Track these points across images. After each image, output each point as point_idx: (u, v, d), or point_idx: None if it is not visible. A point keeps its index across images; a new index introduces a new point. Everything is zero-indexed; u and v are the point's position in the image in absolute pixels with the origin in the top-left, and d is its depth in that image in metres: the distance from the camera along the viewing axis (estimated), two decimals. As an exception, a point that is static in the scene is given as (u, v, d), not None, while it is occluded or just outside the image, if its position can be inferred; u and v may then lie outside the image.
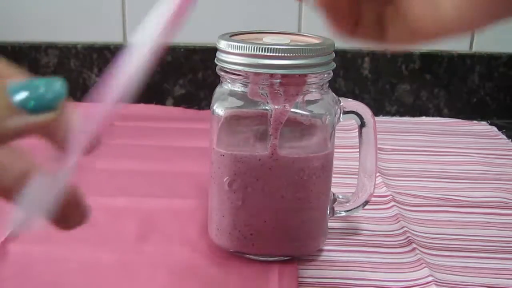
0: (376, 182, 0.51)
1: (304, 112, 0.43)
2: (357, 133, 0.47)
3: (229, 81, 0.44)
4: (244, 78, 0.43)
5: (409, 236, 0.49)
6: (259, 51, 0.41)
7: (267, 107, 0.43)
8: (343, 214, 0.49)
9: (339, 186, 0.56)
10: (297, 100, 0.43)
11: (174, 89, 0.86)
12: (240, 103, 0.44)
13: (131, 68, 0.25)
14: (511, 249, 0.48)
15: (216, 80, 0.46)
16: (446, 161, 0.67)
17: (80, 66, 0.86)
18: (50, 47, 0.85)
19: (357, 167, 0.48)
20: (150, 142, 0.71)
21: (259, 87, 0.42)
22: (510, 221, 0.53)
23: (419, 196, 0.58)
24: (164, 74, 0.86)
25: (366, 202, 0.48)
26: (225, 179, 0.44)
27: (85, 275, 0.43)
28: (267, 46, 0.41)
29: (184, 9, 0.26)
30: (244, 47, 0.41)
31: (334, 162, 0.46)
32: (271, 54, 0.41)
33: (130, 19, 0.85)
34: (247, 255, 0.46)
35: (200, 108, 0.86)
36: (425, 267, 0.44)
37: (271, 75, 0.42)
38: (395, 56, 0.84)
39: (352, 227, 0.51)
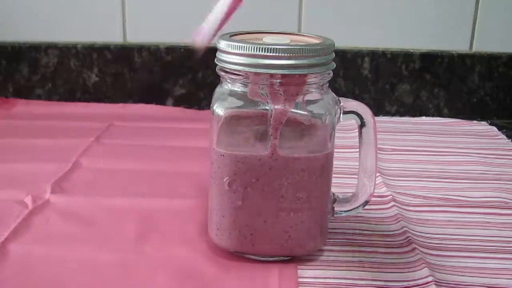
0: (376, 182, 0.51)
1: (304, 112, 0.43)
2: (357, 133, 0.47)
3: (229, 81, 0.44)
4: (244, 78, 0.43)
5: (409, 236, 0.49)
6: (259, 51, 0.41)
7: (267, 107, 0.43)
8: (343, 214, 0.49)
9: (339, 186, 0.56)
10: (297, 100, 0.43)
11: (174, 89, 0.86)
12: (240, 103, 0.44)
13: None
14: (511, 249, 0.48)
15: (216, 80, 0.46)
16: (446, 161, 0.67)
17: (80, 66, 0.86)
18: (50, 47, 0.85)
19: (357, 167, 0.47)
20: (150, 142, 0.72)
21: (259, 87, 0.42)
22: (510, 221, 0.53)
23: (419, 196, 0.58)
24: (164, 74, 0.86)
25: (366, 202, 0.48)
26: (225, 179, 0.44)
27: (85, 275, 0.43)
28: (267, 46, 0.41)
29: None
30: (244, 47, 0.41)
31: (334, 162, 0.46)
32: (271, 54, 0.41)
33: (130, 19, 0.85)
34: (247, 255, 0.46)
35: (200, 108, 0.86)
36: (425, 267, 0.44)
37: (271, 75, 0.42)
38: (395, 56, 0.85)
39: (352, 227, 0.51)
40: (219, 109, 0.44)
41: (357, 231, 0.50)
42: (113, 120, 0.79)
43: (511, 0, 0.84)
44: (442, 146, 0.72)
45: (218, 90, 0.45)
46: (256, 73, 0.42)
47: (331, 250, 0.47)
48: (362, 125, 0.46)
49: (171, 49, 0.85)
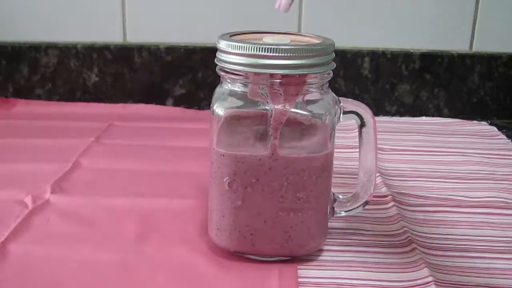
0: (376, 182, 0.51)
1: (304, 112, 0.43)
2: (357, 133, 0.47)
3: (229, 81, 0.44)
4: (244, 78, 0.43)
5: (409, 236, 0.49)
6: (259, 51, 0.41)
7: (267, 107, 0.43)
8: (343, 214, 0.49)
9: (339, 186, 0.57)
10: (297, 100, 0.43)
11: (174, 89, 0.86)
12: (240, 103, 0.44)
13: None
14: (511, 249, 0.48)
15: (216, 80, 0.46)
16: (446, 161, 0.67)
17: (80, 66, 0.86)
18: (50, 47, 0.85)
19: (357, 167, 0.47)
20: (150, 142, 0.72)
21: (259, 87, 0.42)
22: (510, 221, 0.53)
23: (419, 196, 0.58)
24: (164, 74, 0.86)
25: (366, 202, 0.48)
26: (225, 179, 0.44)
27: (85, 275, 0.43)
28: (267, 46, 0.41)
29: None
30: (244, 47, 0.41)
31: (334, 162, 0.46)
32: (271, 54, 0.41)
33: (130, 19, 0.85)
34: (247, 255, 0.46)
35: (200, 108, 0.86)
36: (425, 267, 0.44)
37: (271, 75, 0.42)
38: (395, 56, 0.85)
39: (352, 227, 0.51)
40: (219, 109, 0.44)
41: (357, 231, 0.50)
42: (113, 120, 0.79)
43: (511, 0, 0.84)
44: (442, 146, 0.72)
45: (218, 90, 0.45)
46: (256, 73, 0.42)
47: (331, 250, 0.47)
48: (362, 125, 0.46)
49: (171, 49, 0.85)
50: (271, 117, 0.42)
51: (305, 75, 0.42)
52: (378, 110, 0.86)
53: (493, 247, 0.49)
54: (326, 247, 0.48)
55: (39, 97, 0.87)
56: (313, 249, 0.46)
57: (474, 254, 0.48)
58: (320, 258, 0.46)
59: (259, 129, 0.43)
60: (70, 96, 0.87)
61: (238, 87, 0.43)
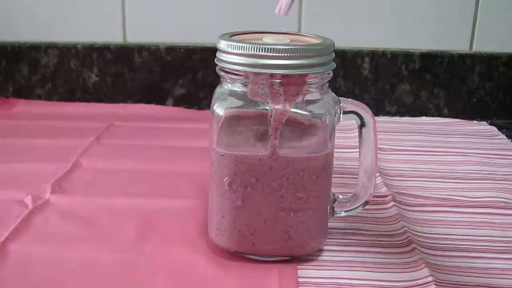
0: (376, 182, 0.51)
1: (304, 112, 0.43)
2: (357, 133, 0.47)
3: (229, 81, 0.44)
4: (244, 78, 0.43)
5: (409, 236, 0.49)
6: (259, 51, 0.41)
7: (267, 107, 0.43)
8: (343, 214, 0.49)
9: (339, 186, 0.57)
10: (297, 100, 0.43)
11: (174, 89, 0.86)
12: (240, 103, 0.44)
13: None
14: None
15: (216, 80, 0.46)
16: (446, 161, 0.67)
17: (80, 66, 0.86)
18: (50, 47, 0.85)
19: (357, 167, 0.47)
20: (150, 142, 0.72)
21: (259, 87, 0.42)
22: (510, 221, 0.53)
23: (419, 196, 0.58)
24: (164, 74, 0.86)
25: (366, 202, 0.48)
26: (225, 179, 0.44)
27: (85, 275, 0.43)
28: (267, 46, 0.41)
29: None
30: (244, 47, 0.41)
31: (334, 162, 0.46)
32: (271, 54, 0.41)
33: (130, 19, 0.85)
34: (247, 255, 0.46)
35: (200, 108, 0.86)
36: (425, 267, 0.44)
37: (271, 75, 0.42)
38: (395, 56, 0.85)
39: (352, 227, 0.51)
40: (219, 109, 0.44)
41: (357, 231, 0.50)
42: (113, 120, 0.79)
43: (511, 0, 0.84)
44: (442, 146, 0.72)
45: (218, 90, 0.45)
46: (256, 73, 0.42)
47: (331, 250, 0.47)
48: (362, 125, 0.46)
49: (171, 49, 0.85)
50: (271, 117, 0.42)
51: (305, 75, 0.42)
52: (378, 110, 0.86)
53: (493, 247, 0.49)
54: (326, 247, 0.48)
55: (39, 97, 0.87)
56: (313, 249, 0.46)
57: (474, 254, 0.48)
58: (320, 258, 0.46)
59: (259, 129, 0.43)
60: (70, 96, 0.87)
61: (238, 87, 0.43)
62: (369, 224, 0.52)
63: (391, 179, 0.61)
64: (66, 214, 0.52)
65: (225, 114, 0.44)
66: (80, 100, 0.87)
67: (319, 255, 0.47)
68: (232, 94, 0.44)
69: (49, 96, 0.87)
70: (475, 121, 0.83)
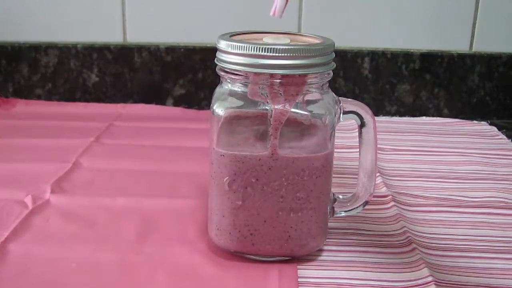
0: (376, 182, 0.51)
1: (304, 112, 0.43)
2: (357, 133, 0.47)
3: (229, 81, 0.44)
4: (244, 78, 0.43)
5: (409, 236, 0.49)
6: (259, 51, 0.41)
7: (267, 107, 0.43)
8: (343, 214, 0.49)
9: (339, 186, 0.57)
10: (297, 100, 0.43)
11: (174, 89, 0.86)
12: (240, 103, 0.44)
13: None
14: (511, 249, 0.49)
15: (216, 80, 0.46)
16: (446, 161, 0.67)
17: (80, 66, 0.86)
18: (50, 47, 0.85)
19: (357, 167, 0.48)
20: (150, 142, 0.72)
21: (259, 87, 0.42)
22: (510, 221, 0.53)
23: (419, 196, 0.58)
24: (164, 74, 0.86)
25: (366, 202, 0.48)
26: (225, 179, 0.44)
27: (85, 275, 0.43)
28: (267, 46, 0.41)
29: None
30: (244, 47, 0.41)
31: (334, 162, 0.46)
32: (271, 54, 0.41)
33: (130, 19, 0.85)
34: (247, 255, 0.46)
35: (200, 108, 0.86)
36: (425, 267, 0.44)
37: (271, 75, 0.42)
38: (395, 56, 0.85)
39: (352, 227, 0.51)
40: (219, 109, 0.44)
41: (357, 231, 0.50)
42: (113, 120, 0.79)
43: (511, 0, 0.84)
44: (442, 146, 0.72)
45: (218, 90, 0.45)
46: (256, 73, 0.42)
47: (331, 250, 0.47)
48: (362, 125, 0.46)
49: (171, 49, 0.85)
50: (271, 117, 0.42)
51: (305, 75, 0.42)
52: (378, 110, 0.86)
53: (493, 247, 0.49)
54: (326, 247, 0.48)
55: (39, 97, 0.87)
56: (313, 249, 0.46)
57: (474, 254, 0.48)
58: (320, 258, 0.46)
59: (259, 129, 0.43)
60: (70, 96, 0.87)
61: (238, 87, 0.43)
62: (369, 224, 0.52)
63: (391, 179, 0.61)
64: (66, 214, 0.52)
65: (225, 114, 0.44)
66: (80, 100, 0.87)
67: (319, 255, 0.47)
68: (232, 94, 0.44)
69: (49, 96, 0.87)
70: (475, 121, 0.83)
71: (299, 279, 0.43)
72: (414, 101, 0.86)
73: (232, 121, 0.44)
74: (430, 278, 0.43)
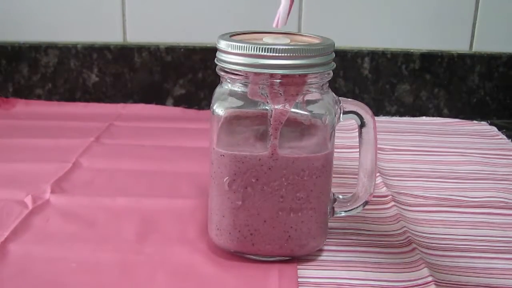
0: (376, 182, 0.51)
1: (304, 112, 0.43)
2: (357, 133, 0.47)
3: (229, 81, 0.44)
4: (244, 78, 0.43)
5: (409, 236, 0.49)
6: (259, 51, 0.41)
7: (267, 107, 0.43)
8: (343, 214, 0.49)
9: (339, 186, 0.57)
10: (297, 100, 0.43)
11: (174, 89, 0.86)
12: (240, 103, 0.44)
13: None
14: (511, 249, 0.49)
15: (216, 80, 0.46)
16: (446, 161, 0.67)
17: (80, 66, 0.86)
18: (50, 47, 0.85)
19: (357, 167, 0.48)
20: (150, 142, 0.72)
21: (259, 87, 0.42)
22: (510, 221, 0.53)
23: (419, 196, 0.58)
24: (164, 74, 0.86)
25: (366, 202, 0.48)
26: (225, 179, 0.44)
27: (85, 275, 0.43)
28: (267, 46, 0.41)
29: None
30: (244, 47, 0.41)
31: (334, 162, 0.46)
32: (271, 54, 0.41)
33: (130, 19, 0.85)
34: (247, 255, 0.46)
35: (200, 108, 0.86)
36: (425, 267, 0.44)
37: (271, 75, 0.42)
38: (395, 56, 0.85)
39: (352, 227, 0.51)
40: (219, 109, 0.44)
41: (357, 231, 0.50)
42: (113, 120, 0.79)
43: (511, 0, 0.84)
44: (442, 146, 0.72)
45: (218, 90, 0.45)
46: (256, 73, 0.42)
47: (331, 250, 0.47)
48: (362, 125, 0.46)
49: (171, 49, 0.85)
50: (271, 117, 0.42)
51: (305, 75, 0.42)
52: (378, 110, 0.86)
53: (493, 247, 0.49)
54: (326, 247, 0.48)
55: (39, 97, 0.87)
56: (313, 249, 0.46)
57: (474, 254, 0.48)
58: (320, 258, 0.46)
59: (259, 129, 0.44)
60: (70, 96, 0.87)
61: (238, 87, 0.43)
62: (369, 224, 0.52)
63: (391, 179, 0.61)
64: (66, 214, 0.52)
65: (225, 114, 0.44)
66: (80, 100, 0.87)
67: (319, 255, 0.47)
68: (232, 94, 0.44)
69: (49, 96, 0.87)
70: (475, 121, 0.83)
71: (299, 279, 0.43)
72: (414, 101, 0.86)
73: (232, 121, 0.44)
74: (430, 278, 0.43)
